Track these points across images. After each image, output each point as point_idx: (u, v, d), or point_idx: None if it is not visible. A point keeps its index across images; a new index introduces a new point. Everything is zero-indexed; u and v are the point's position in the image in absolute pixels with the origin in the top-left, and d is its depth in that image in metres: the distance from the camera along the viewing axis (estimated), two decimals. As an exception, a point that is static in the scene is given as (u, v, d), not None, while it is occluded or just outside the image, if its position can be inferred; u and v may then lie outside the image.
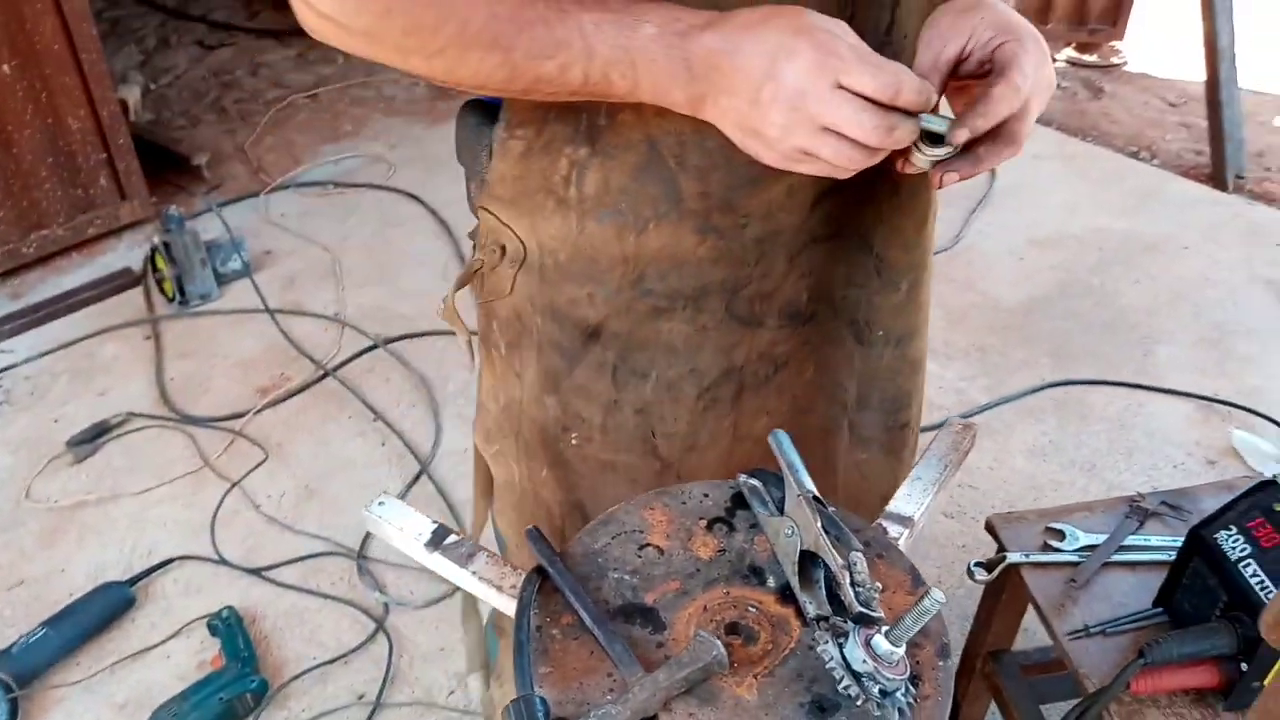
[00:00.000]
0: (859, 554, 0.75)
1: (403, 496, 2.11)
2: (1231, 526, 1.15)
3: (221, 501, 2.11)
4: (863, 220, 0.96)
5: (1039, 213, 3.15)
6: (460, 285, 0.98)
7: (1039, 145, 3.54)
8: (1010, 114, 0.73)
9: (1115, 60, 4.13)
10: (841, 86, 0.66)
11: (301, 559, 2.00)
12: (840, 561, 0.74)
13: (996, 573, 1.34)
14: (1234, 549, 1.14)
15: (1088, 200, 3.22)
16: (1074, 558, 1.33)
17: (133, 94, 3.34)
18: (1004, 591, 1.41)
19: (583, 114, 0.81)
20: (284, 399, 2.40)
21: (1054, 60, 4.10)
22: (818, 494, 0.79)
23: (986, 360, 2.55)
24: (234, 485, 2.15)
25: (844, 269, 0.99)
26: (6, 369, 2.50)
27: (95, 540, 2.05)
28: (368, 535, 2.04)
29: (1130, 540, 1.35)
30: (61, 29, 2.63)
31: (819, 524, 0.75)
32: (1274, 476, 1.19)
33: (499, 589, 0.87)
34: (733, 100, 0.69)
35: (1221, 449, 2.29)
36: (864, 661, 0.70)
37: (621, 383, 0.96)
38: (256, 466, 2.20)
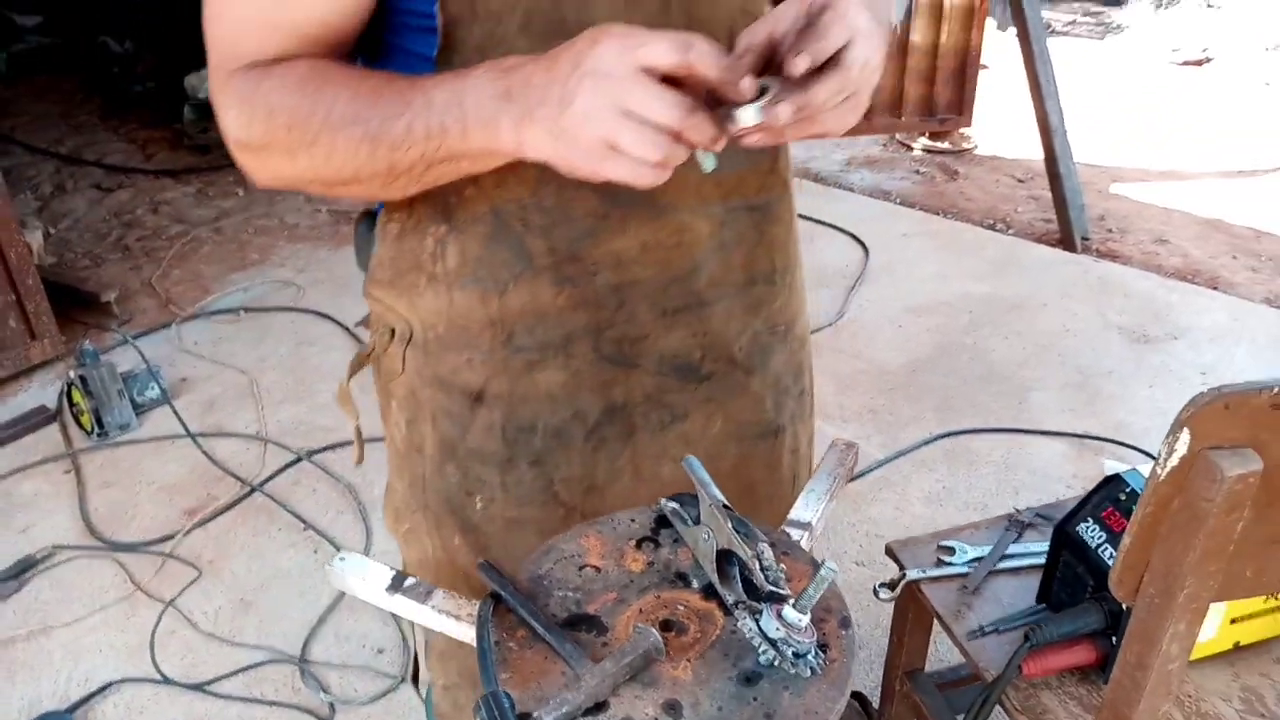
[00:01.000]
0: (765, 544, 0.89)
1: (337, 601, 2.16)
2: (1089, 519, 1.33)
3: (158, 622, 2.12)
4: (746, 274, 1.03)
5: (912, 284, 3.42)
6: (355, 369, 1.05)
7: (905, 224, 3.86)
8: (845, 39, 0.69)
9: (965, 145, 4.54)
10: (644, 71, 0.67)
11: (244, 669, 2.02)
12: (750, 552, 0.87)
13: (899, 589, 1.49)
14: (1093, 538, 1.31)
15: (954, 269, 3.51)
16: (964, 569, 1.48)
17: (34, 238, 3.39)
18: (909, 610, 1.55)
19: (441, 195, 0.89)
20: (212, 518, 2.43)
21: (909, 149, 4.51)
22: (727, 503, 0.93)
23: (879, 419, 2.74)
24: (168, 605, 2.16)
25: (737, 324, 1.04)
26: (-78, 515, 2.47)
27: (28, 674, 2.03)
28: (308, 639, 2.08)
29: (1011, 550, 1.51)
30: (-35, 178, 2.71)
31: (729, 525, 0.89)
32: (1116, 473, 1.37)
33: (458, 619, 0.97)
34: (545, 108, 0.70)
35: (1097, 478, 2.48)
36: (777, 629, 0.83)
37: (511, 439, 1.00)
38: (190, 584, 2.22)
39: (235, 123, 0.83)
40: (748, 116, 0.71)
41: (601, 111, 0.68)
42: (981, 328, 3.16)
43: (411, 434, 1.04)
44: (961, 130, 4.51)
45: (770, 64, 0.73)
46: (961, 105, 4.29)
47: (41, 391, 2.94)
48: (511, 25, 0.83)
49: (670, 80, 0.69)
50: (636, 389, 1.02)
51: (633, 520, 1.04)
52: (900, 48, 4.17)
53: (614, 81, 0.67)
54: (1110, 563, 1.27)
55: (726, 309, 1.03)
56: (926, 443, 2.64)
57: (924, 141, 4.57)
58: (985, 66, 4.94)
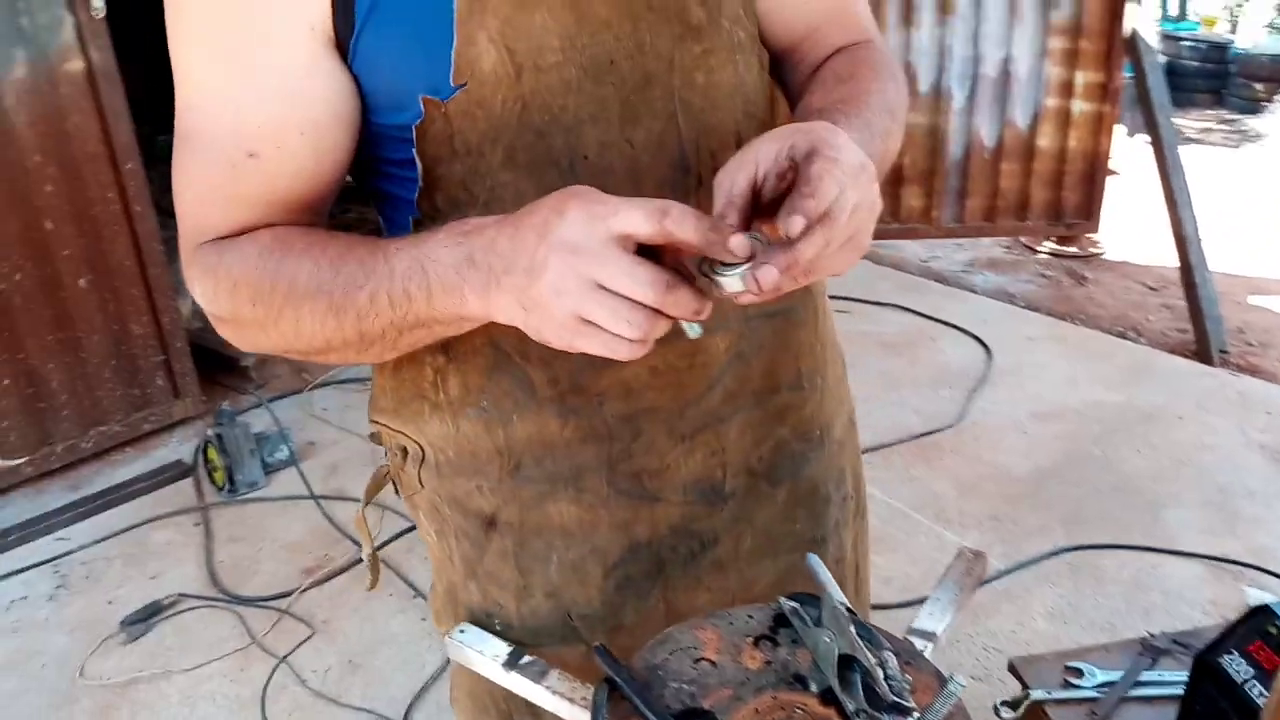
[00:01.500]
0: (890, 653, 0.86)
1: (442, 669, 2.18)
2: (1234, 651, 1.24)
3: (270, 677, 2.18)
4: (767, 383, 0.97)
5: (1038, 389, 3.32)
6: (373, 492, 1.01)
7: (1031, 328, 3.77)
8: (837, 191, 0.64)
9: (1094, 250, 4.44)
10: (616, 240, 0.63)
11: (347, 732, 2.05)
12: (874, 660, 0.85)
13: (1022, 710, 1.41)
14: (1239, 672, 1.22)
15: (1083, 376, 3.40)
16: (1094, 694, 1.40)
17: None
18: (1030, 732, 1.47)
19: None
20: (328, 578, 2.50)
21: (1034, 252, 4.42)
22: (850, 606, 0.91)
23: (1001, 528, 2.65)
24: (281, 661, 2.22)
25: (755, 434, 0.98)
26: (64, 555, 2.61)
27: (147, 715, 2.11)
28: (411, 705, 2.09)
29: (1145, 676, 1.43)
30: (133, 248, 2.92)
31: (853, 630, 0.87)
32: (1266, 604, 1.29)
33: (571, 701, 0.97)
34: (512, 277, 0.66)
35: (1236, 606, 2.35)
36: None
37: (525, 568, 0.95)
38: (303, 643, 2.28)
39: (203, 297, 0.81)
40: (732, 284, 0.67)
41: (572, 287, 0.64)
42: (1112, 438, 3.04)
43: (441, 544, 1.01)
44: (1089, 235, 4.41)
45: (755, 202, 0.69)
46: (1090, 210, 4.21)
47: (180, 447, 3.10)
48: (494, 160, 0.81)
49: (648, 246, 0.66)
50: (662, 523, 0.96)
51: (750, 617, 1.02)
52: (1026, 151, 4.13)
53: (584, 255, 0.63)
54: (1260, 701, 1.19)
55: (745, 420, 0.97)
56: (1051, 555, 2.53)
57: (1050, 245, 4.49)
58: (1114, 172, 4.85)
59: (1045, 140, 4.13)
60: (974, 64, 4.01)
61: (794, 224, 0.63)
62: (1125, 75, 4.02)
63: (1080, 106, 4.05)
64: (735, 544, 1.01)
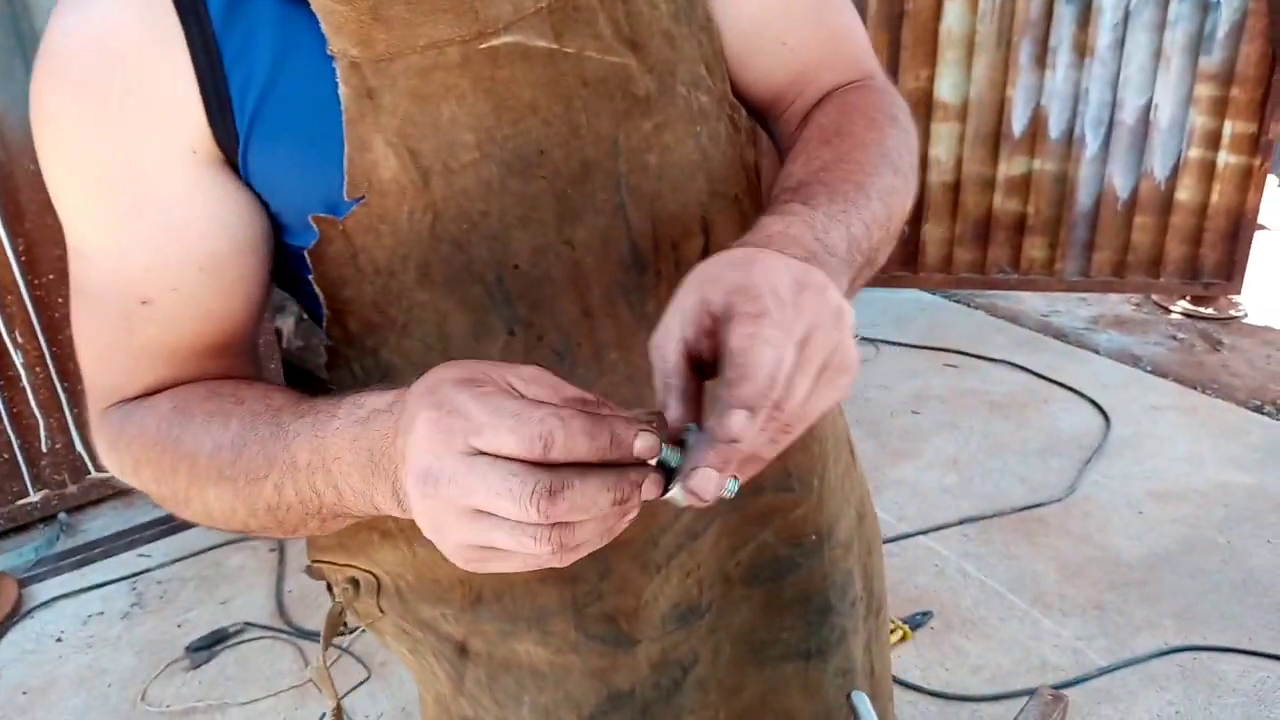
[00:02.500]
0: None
1: (495, 726, 2.11)
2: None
3: (322, 718, 2.15)
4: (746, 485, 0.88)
5: (1159, 464, 3.07)
6: (329, 636, 0.91)
7: (1156, 395, 3.50)
8: (774, 356, 0.51)
9: (1233, 313, 4.11)
10: (478, 453, 0.49)
11: (391, 784, 1.99)
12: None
13: None
14: None
15: (1211, 453, 3.12)
16: None
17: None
18: None
19: None
20: (391, 617, 2.46)
21: (1167, 312, 4.13)
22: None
23: (1105, 619, 2.43)
24: (337, 703, 2.19)
25: (732, 540, 0.88)
26: (143, 572, 2.66)
27: (199, 749, 2.11)
28: (457, 764, 2.03)
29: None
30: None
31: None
32: None
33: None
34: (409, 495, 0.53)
35: (1376, 734, 2.09)
36: None
37: (501, 702, 0.87)
38: (359, 685, 2.24)
39: (113, 470, 0.72)
40: (675, 495, 0.52)
41: (447, 517, 0.50)
42: (1240, 526, 2.77)
43: (419, 660, 0.92)
44: (1229, 296, 4.09)
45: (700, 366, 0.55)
46: (1232, 270, 3.90)
47: (267, 467, 3.12)
48: (407, 279, 0.70)
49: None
50: (643, 666, 0.86)
51: (784, 755, 0.92)
52: (1163, 204, 3.86)
53: (444, 483, 0.49)
54: None
55: (721, 526, 0.86)
56: (1161, 654, 2.30)
57: (1184, 305, 4.18)
58: (1264, 227, 4.50)
59: (1185, 193, 3.85)
60: (1111, 109, 3.77)
61: (730, 423, 0.49)
62: (1280, 126, 3.72)
63: (1226, 158, 3.76)
64: (714, 656, 0.91)
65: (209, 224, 0.67)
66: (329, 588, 0.92)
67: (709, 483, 0.50)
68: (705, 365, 0.56)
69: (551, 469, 0.49)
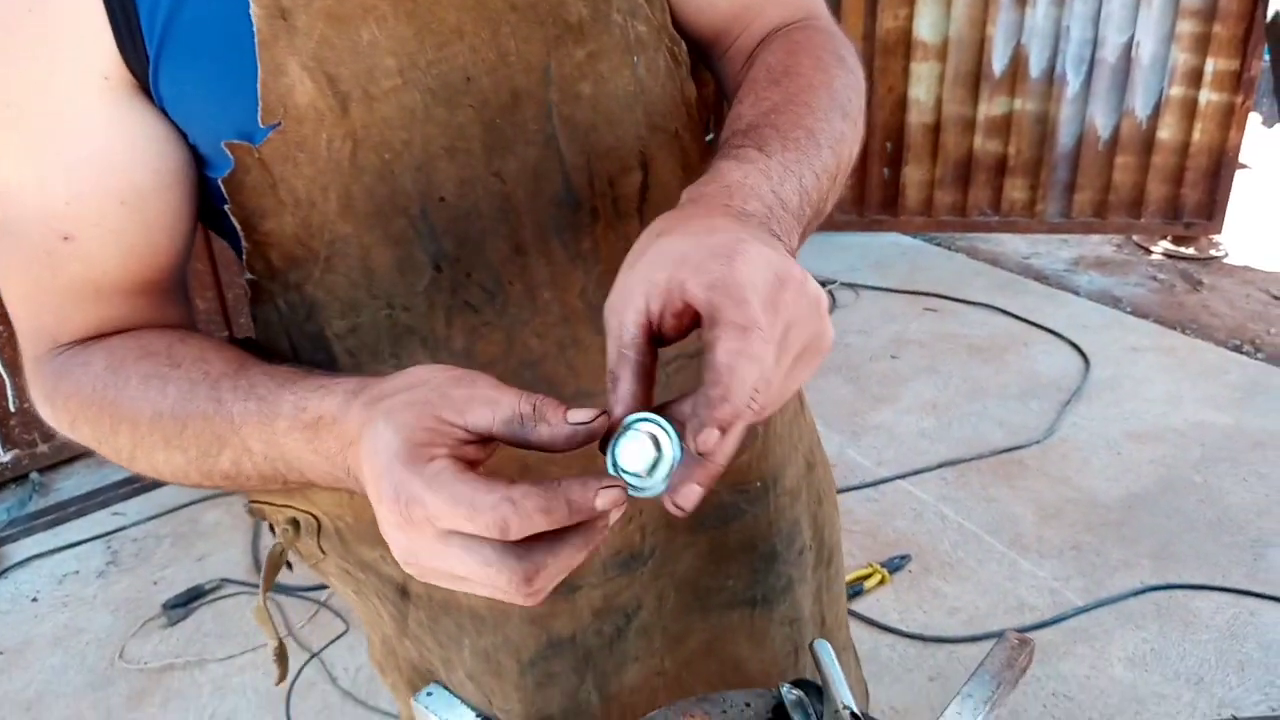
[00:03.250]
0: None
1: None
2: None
3: (300, 672, 2.14)
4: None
5: (1137, 405, 3.07)
6: (270, 577, 0.89)
7: (1135, 337, 3.50)
8: (757, 372, 0.48)
9: (1214, 253, 4.10)
10: (449, 531, 0.49)
11: (372, 736, 2.00)
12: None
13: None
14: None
15: (1189, 394, 3.13)
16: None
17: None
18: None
19: None
20: (369, 571, 2.46)
21: (1148, 253, 4.12)
22: (855, 710, 0.79)
23: (1082, 559, 2.45)
24: (314, 656, 2.19)
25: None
26: (118, 530, 2.64)
27: (179, 705, 2.10)
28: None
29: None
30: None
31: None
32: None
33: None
34: (377, 508, 0.51)
35: (1346, 666, 2.12)
36: None
37: (444, 643, 0.86)
38: (337, 638, 2.24)
39: (49, 419, 0.69)
40: (653, 488, 0.51)
41: (418, 546, 0.49)
42: (1216, 465, 2.79)
43: (364, 602, 0.91)
44: (1210, 236, 4.08)
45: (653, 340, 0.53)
46: (1212, 209, 3.88)
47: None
48: (329, 209, 0.68)
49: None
50: (584, 611, 0.85)
51: (747, 705, 0.91)
52: (1144, 143, 3.83)
53: (428, 558, 0.49)
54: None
55: None
56: (1137, 593, 2.32)
57: (1165, 245, 4.17)
58: (1245, 166, 4.48)
59: (1167, 132, 3.82)
60: (1092, 47, 3.72)
61: (707, 439, 0.48)
62: (1263, 62, 3.68)
63: (1208, 96, 3.73)
64: (658, 603, 0.89)
65: (128, 154, 0.64)
66: (270, 528, 0.91)
67: (694, 496, 0.51)
68: (660, 338, 0.54)
69: (523, 551, 0.48)
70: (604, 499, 0.48)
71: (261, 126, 0.64)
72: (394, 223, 0.68)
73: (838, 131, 0.68)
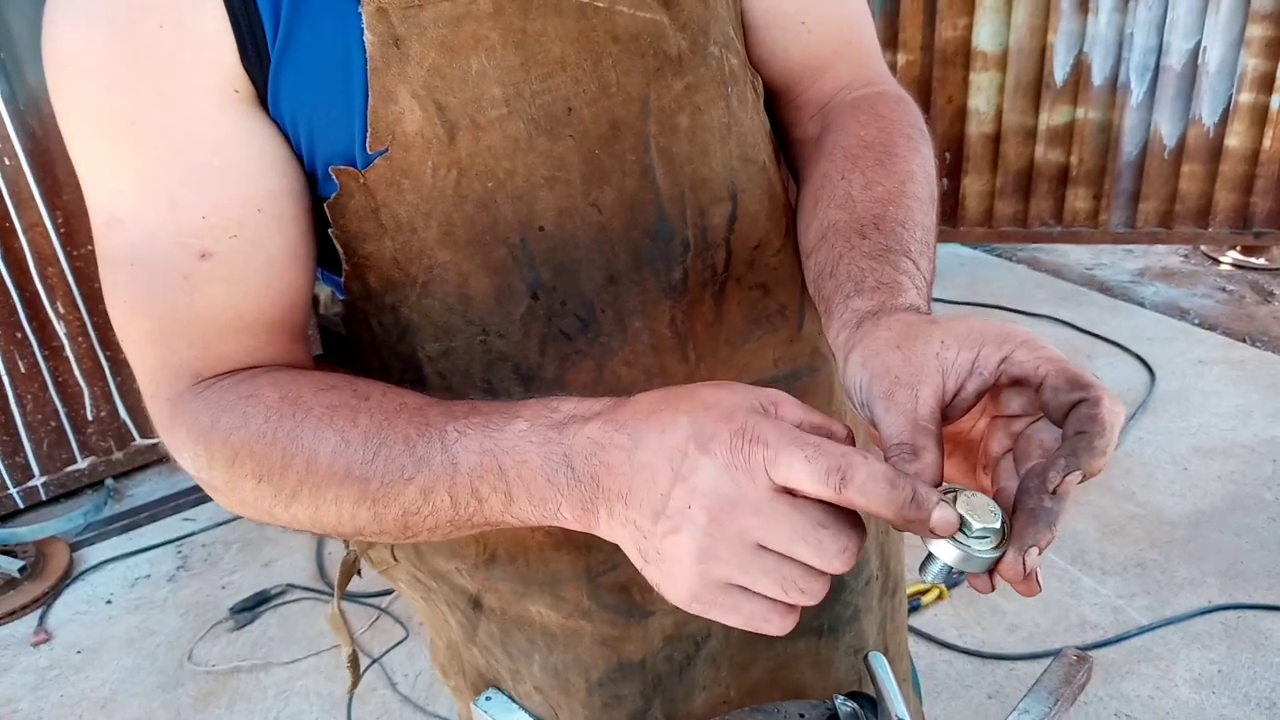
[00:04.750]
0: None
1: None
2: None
3: (360, 675, 2.18)
4: None
5: (1205, 420, 3.00)
6: (344, 583, 0.89)
7: (1203, 349, 3.42)
8: (1117, 430, 0.53)
9: (1287, 263, 3.99)
10: (783, 489, 0.48)
11: (430, 742, 2.03)
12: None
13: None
14: None
15: (1260, 408, 3.05)
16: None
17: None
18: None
19: None
20: (429, 579, 2.50)
21: (1216, 263, 4.02)
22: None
23: (1147, 577, 2.39)
24: (374, 661, 2.23)
25: None
26: (188, 536, 2.72)
27: (244, 707, 2.16)
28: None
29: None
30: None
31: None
32: None
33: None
34: (631, 511, 0.51)
35: None
36: None
37: (513, 655, 0.87)
38: (397, 644, 2.28)
39: (192, 464, 0.65)
40: (981, 557, 0.51)
41: (726, 553, 0.48)
42: (1288, 481, 2.71)
43: (432, 608, 0.92)
44: (1282, 246, 3.97)
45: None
46: (1285, 218, 3.78)
47: (306, 431, 3.17)
48: (429, 236, 0.68)
49: None
50: (655, 637, 0.85)
51: (801, 715, 0.91)
52: (1212, 151, 3.74)
53: (744, 513, 0.47)
54: None
55: None
56: (1204, 613, 2.26)
57: (1234, 255, 4.06)
58: (1321, 175, 4.35)
59: (1235, 140, 3.72)
60: (1157, 54, 3.65)
61: (1068, 483, 0.50)
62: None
63: None
64: (726, 631, 0.89)
65: (260, 161, 0.64)
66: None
67: (1035, 558, 0.51)
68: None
69: (848, 525, 0.49)
70: (941, 513, 0.49)
71: (369, 152, 0.65)
72: (494, 251, 0.69)
73: (933, 221, 0.71)
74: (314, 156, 0.66)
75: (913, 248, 0.66)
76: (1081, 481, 0.51)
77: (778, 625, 0.51)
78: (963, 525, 0.51)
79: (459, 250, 0.69)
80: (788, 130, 0.85)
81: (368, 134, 0.64)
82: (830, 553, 0.48)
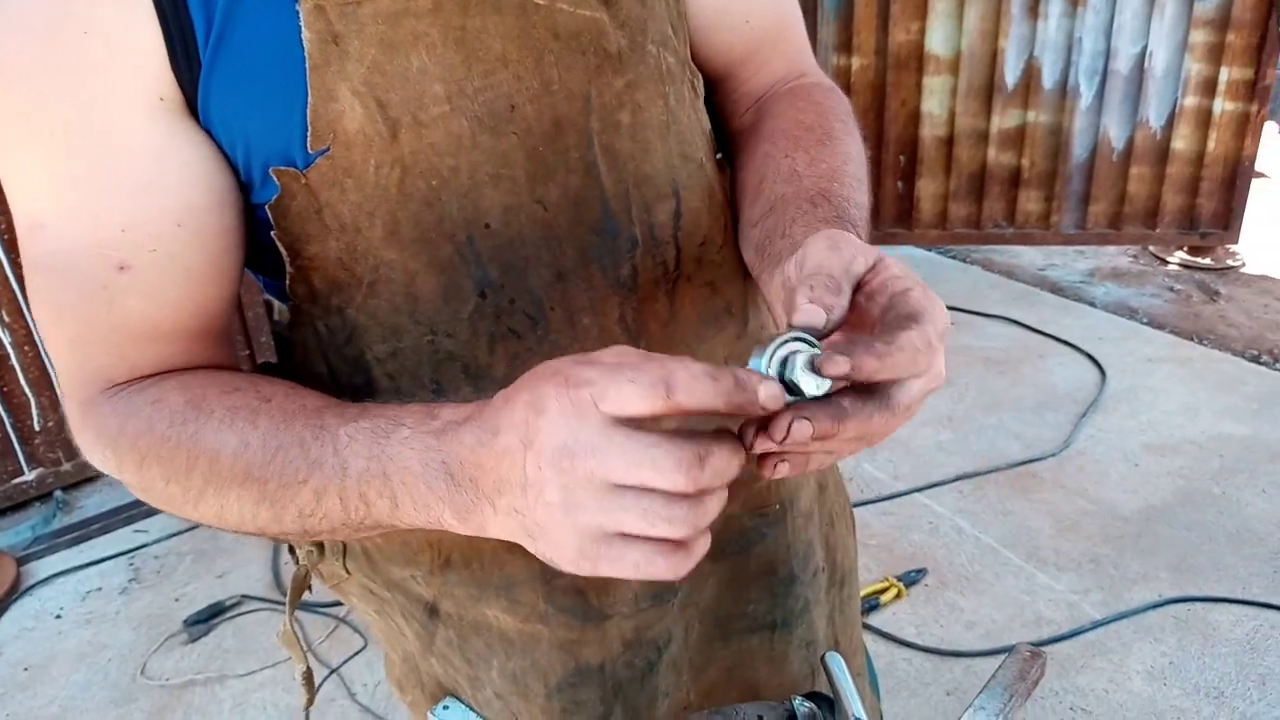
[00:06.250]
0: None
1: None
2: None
3: (319, 687, 2.16)
4: None
5: (1154, 417, 3.06)
6: (294, 600, 0.88)
7: (1152, 348, 3.49)
8: (911, 371, 0.52)
9: (1231, 263, 4.09)
10: (614, 423, 0.49)
11: (390, 752, 2.01)
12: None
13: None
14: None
15: (1207, 404, 3.12)
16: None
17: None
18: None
19: None
20: (388, 587, 2.47)
21: (1164, 263, 4.11)
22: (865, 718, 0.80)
23: (1100, 572, 2.44)
24: (333, 672, 2.20)
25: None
26: (140, 548, 2.67)
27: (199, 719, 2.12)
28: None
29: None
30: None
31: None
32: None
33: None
34: (506, 498, 0.52)
35: (1369, 680, 2.10)
36: None
37: (472, 661, 0.87)
38: (355, 654, 2.26)
39: (103, 465, 0.67)
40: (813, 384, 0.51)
41: (584, 498, 0.49)
42: (1235, 476, 2.77)
43: (385, 621, 0.91)
44: (1227, 246, 4.06)
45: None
46: (1229, 219, 3.86)
47: (262, 440, 3.13)
48: (373, 235, 0.67)
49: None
50: (614, 642, 0.85)
51: (760, 717, 0.92)
52: (1159, 154, 3.82)
53: (583, 455, 0.48)
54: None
55: None
56: (1155, 606, 2.31)
57: (1181, 256, 4.16)
58: (1263, 175, 4.46)
59: (1182, 142, 3.81)
60: (1105, 59, 3.72)
61: (837, 365, 0.50)
62: (1278, 70, 3.67)
63: (1223, 105, 3.72)
64: (685, 635, 0.90)
65: (183, 174, 0.63)
66: (291, 550, 0.91)
67: (842, 366, 0.50)
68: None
69: (690, 438, 0.49)
70: (766, 389, 0.49)
71: (310, 152, 0.64)
72: (440, 249, 0.69)
73: (867, 201, 0.74)
74: (250, 160, 0.65)
75: (859, 225, 0.68)
76: (853, 380, 0.51)
77: (665, 567, 0.50)
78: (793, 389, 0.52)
79: (405, 249, 0.68)
80: (726, 121, 0.86)
81: (308, 133, 0.64)
82: (667, 468, 0.48)
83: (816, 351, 0.52)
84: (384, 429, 0.57)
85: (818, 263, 0.56)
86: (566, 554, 0.51)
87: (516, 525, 0.52)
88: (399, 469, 0.55)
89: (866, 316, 0.56)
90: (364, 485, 0.56)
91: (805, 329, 0.53)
